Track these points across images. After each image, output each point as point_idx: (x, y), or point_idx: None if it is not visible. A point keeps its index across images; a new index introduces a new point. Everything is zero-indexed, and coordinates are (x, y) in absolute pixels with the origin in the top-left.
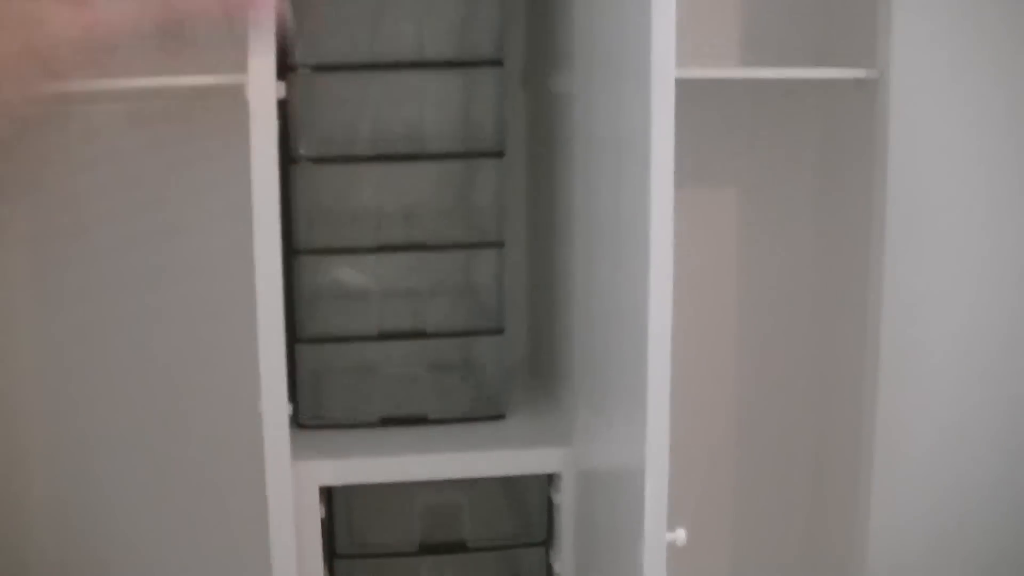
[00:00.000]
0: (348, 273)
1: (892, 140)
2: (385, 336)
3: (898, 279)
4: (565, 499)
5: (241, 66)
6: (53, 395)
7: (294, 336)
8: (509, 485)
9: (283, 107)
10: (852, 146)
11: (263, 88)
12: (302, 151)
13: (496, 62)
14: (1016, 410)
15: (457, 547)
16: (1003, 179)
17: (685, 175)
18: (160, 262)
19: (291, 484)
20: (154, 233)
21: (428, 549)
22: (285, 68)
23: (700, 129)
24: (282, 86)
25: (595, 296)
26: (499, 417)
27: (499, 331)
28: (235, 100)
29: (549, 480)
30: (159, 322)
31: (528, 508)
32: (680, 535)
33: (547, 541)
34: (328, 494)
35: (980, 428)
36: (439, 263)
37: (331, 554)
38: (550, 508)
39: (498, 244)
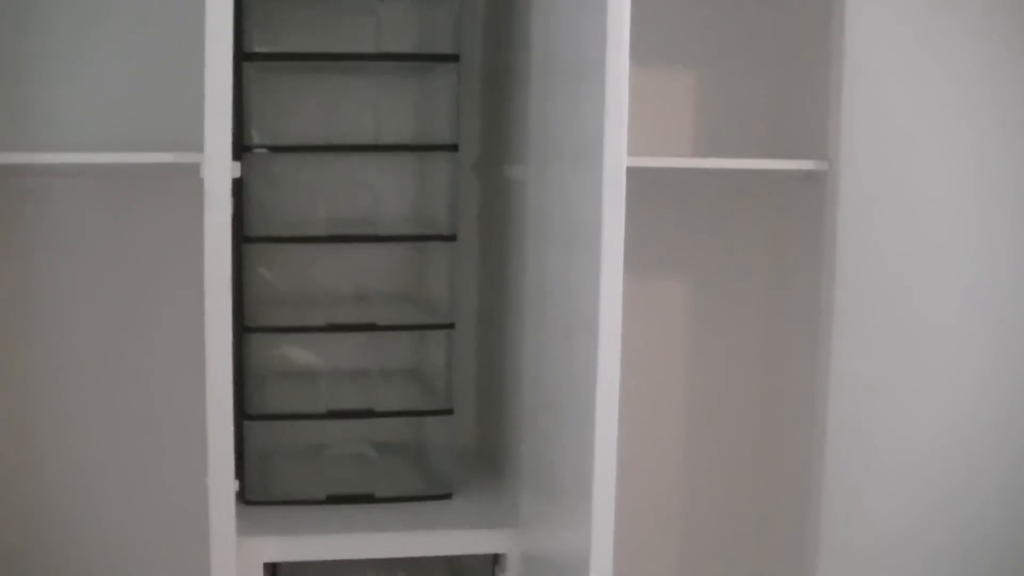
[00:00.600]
0: (298, 352)
1: (841, 230)
2: (334, 415)
3: (846, 370)
4: None
5: (198, 145)
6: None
7: (242, 413)
8: (455, 565)
9: (238, 186)
10: (801, 236)
11: (218, 167)
12: (256, 231)
13: (451, 147)
14: (963, 513)
15: None
16: (950, 270)
17: (636, 264)
18: (112, 337)
19: (235, 560)
20: (106, 308)
21: None
22: (241, 148)
23: (652, 219)
24: (237, 166)
25: (544, 381)
26: (446, 497)
27: (448, 412)
28: (192, 178)
29: (495, 560)
30: (109, 394)
31: None
32: None
33: None
34: (273, 571)
35: (929, 526)
36: (390, 344)
37: None
38: None
39: (449, 326)
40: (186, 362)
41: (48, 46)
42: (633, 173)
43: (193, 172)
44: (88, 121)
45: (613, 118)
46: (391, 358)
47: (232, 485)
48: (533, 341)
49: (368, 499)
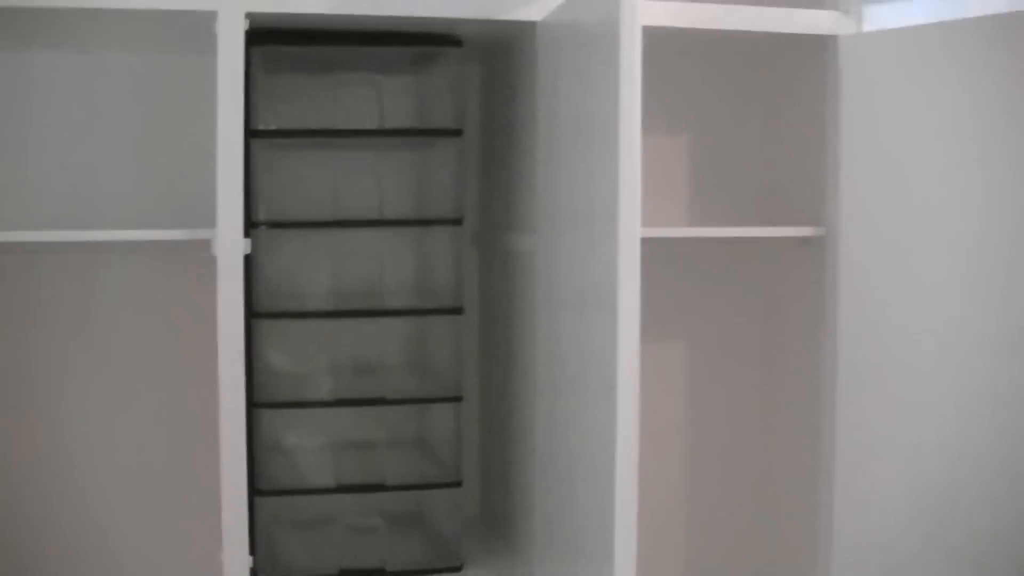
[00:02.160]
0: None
1: (841, 293)
2: (343, 488)
3: (849, 429)
4: None
5: (209, 220)
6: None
7: (253, 488)
8: None
9: (246, 262)
10: (798, 300)
11: (231, 243)
12: (264, 306)
13: (455, 220)
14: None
15: None
16: (950, 332)
17: (640, 329)
18: (118, 412)
19: None
20: (113, 382)
21: None
22: (248, 224)
23: (655, 285)
24: (248, 242)
25: (558, 447)
26: (456, 569)
27: (457, 484)
28: (203, 254)
29: None
30: (121, 464)
31: None
32: None
33: None
34: None
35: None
36: (398, 416)
37: None
38: None
39: (456, 398)
40: (194, 437)
41: (54, 123)
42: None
43: (201, 248)
44: (91, 196)
45: (627, 187)
46: (399, 430)
47: (247, 561)
48: (545, 409)
49: (379, 572)
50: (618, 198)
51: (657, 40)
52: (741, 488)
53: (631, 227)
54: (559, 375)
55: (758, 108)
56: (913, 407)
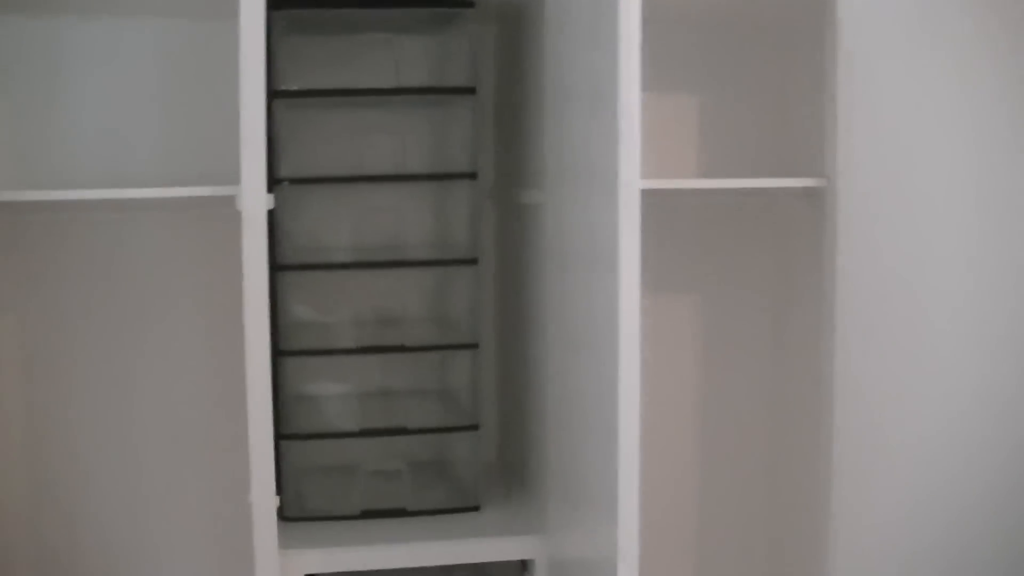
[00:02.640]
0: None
1: (841, 243)
2: (366, 433)
3: (850, 377)
4: None
5: (233, 177)
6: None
7: (279, 433)
8: (486, 573)
9: (269, 217)
10: (803, 250)
11: (254, 199)
12: (287, 259)
13: (470, 175)
14: (970, 500)
15: None
16: (949, 278)
17: (647, 280)
18: (149, 363)
19: (279, 573)
20: (141, 335)
21: None
22: (271, 181)
23: (661, 239)
24: (271, 198)
25: (568, 396)
26: (474, 508)
27: (474, 428)
28: (229, 210)
29: (523, 567)
30: (152, 418)
31: None
32: None
33: None
34: None
35: (933, 519)
36: (417, 364)
37: None
38: None
39: (473, 346)
40: (221, 385)
41: (80, 84)
42: (644, 194)
43: (226, 205)
44: (120, 157)
45: (627, 142)
46: (418, 378)
47: (274, 502)
48: (556, 358)
49: (400, 513)
50: (618, 149)
51: (664, 3)
52: (752, 435)
53: (631, 178)
54: (568, 327)
55: (765, 67)
56: (914, 355)
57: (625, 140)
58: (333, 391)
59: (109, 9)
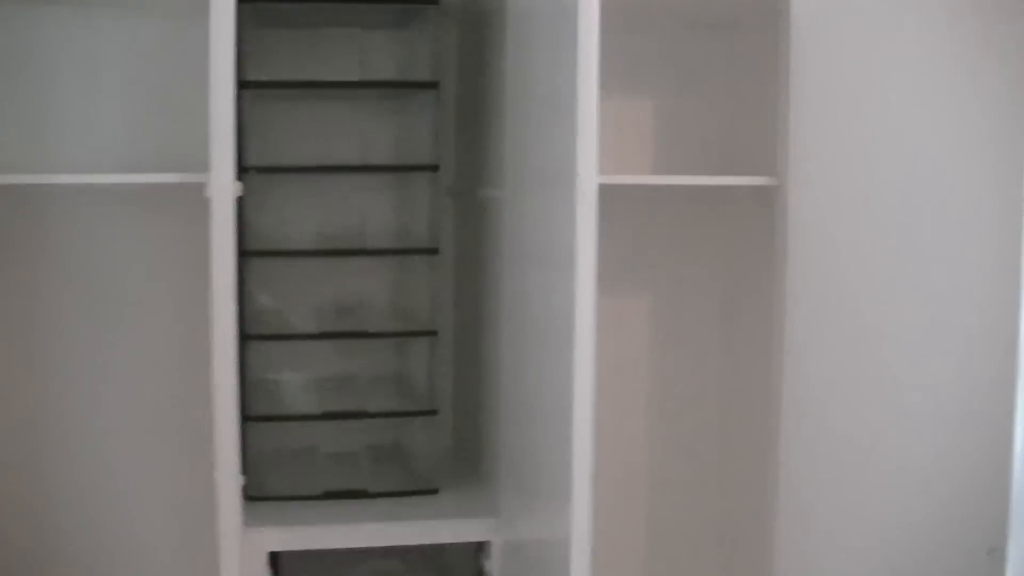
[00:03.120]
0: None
1: (791, 241)
2: (327, 416)
3: (798, 372)
4: (495, 567)
5: (202, 165)
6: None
7: (244, 415)
8: (443, 554)
9: (237, 205)
10: (754, 248)
11: (223, 187)
12: (253, 246)
13: (432, 167)
14: (910, 493)
15: None
16: (895, 275)
17: (602, 277)
18: (116, 345)
19: (241, 550)
20: (109, 317)
21: None
22: (239, 170)
23: (616, 236)
24: (239, 186)
25: (523, 385)
26: (432, 491)
27: (432, 412)
28: (197, 197)
29: (479, 548)
30: (116, 398)
31: (461, 575)
32: None
33: None
34: (275, 560)
35: (878, 505)
36: (377, 351)
37: None
38: (481, 575)
39: (431, 333)
40: (187, 368)
41: (53, 74)
42: (601, 190)
43: (195, 192)
44: (90, 143)
45: (584, 140)
46: (378, 364)
47: (238, 482)
48: (512, 348)
49: (361, 494)
50: (576, 147)
51: (622, 8)
52: (702, 427)
53: (588, 174)
54: (523, 321)
55: (719, 69)
56: (862, 354)
57: (583, 137)
58: (296, 375)
59: (84, 1)
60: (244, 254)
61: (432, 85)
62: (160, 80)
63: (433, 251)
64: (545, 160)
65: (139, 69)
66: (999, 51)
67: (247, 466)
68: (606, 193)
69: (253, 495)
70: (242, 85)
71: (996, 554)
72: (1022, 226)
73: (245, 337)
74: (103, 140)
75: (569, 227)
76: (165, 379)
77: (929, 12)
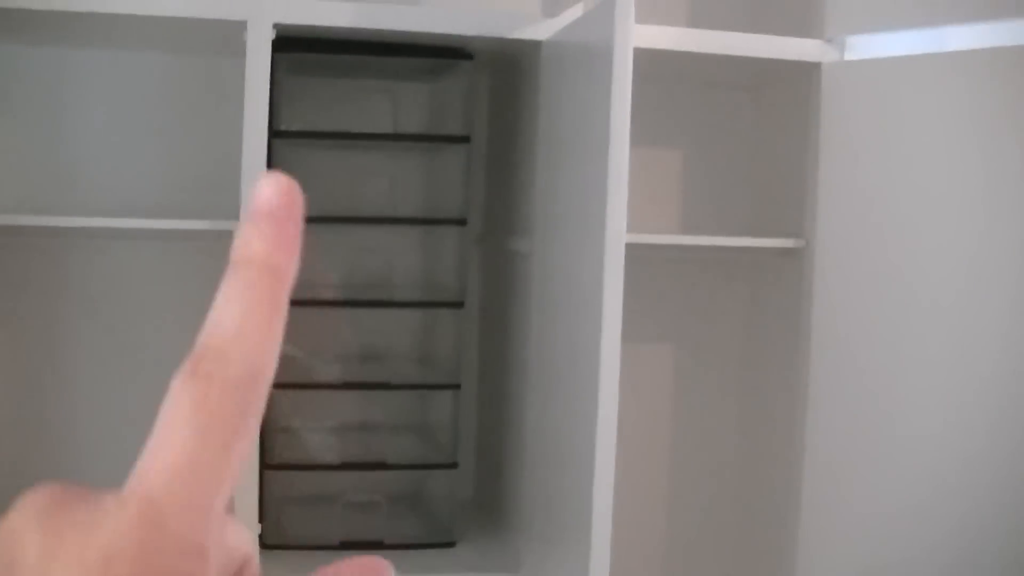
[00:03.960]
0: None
1: (816, 304)
2: (347, 467)
3: (820, 438)
4: None
5: (232, 212)
6: None
7: (263, 463)
8: None
9: None
10: (779, 309)
11: None
12: None
13: (460, 221)
14: (939, 557)
15: None
16: (924, 343)
17: (628, 331)
18: (140, 392)
19: None
20: (134, 365)
21: None
22: None
23: (643, 290)
24: None
25: (546, 434)
26: (450, 544)
27: (453, 465)
28: (227, 244)
29: None
30: (137, 446)
31: None
32: None
33: None
34: None
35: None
36: (400, 401)
37: None
38: None
39: (455, 386)
40: None
41: (90, 117)
42: (628, 247)
43: (223, 239)
44: (121, 186)
45: (615, 196)
46: (400, 414)
47: (256, 529)
48: (535, 400)
49: (378, 545)
50: (606, 204)
51: (657, 63)
52: (722, 484)
53: (617, 232)
54: (549, 371)
55: (748, 128)
56: (887, 420)
57: (613, 193)
58: (317, 424)
59: (116, 43)
60: None
61: (464, 139)
62: (191, 124)
63: (459, 304)
64: (574, 212)
65: (171, 111)
66: None
67: (264, 514)
68: (632, 249)
69: (270, 543)
70: (275, 134)
71: None
72: None
73: None
74: (131, 181)
75: (597, 281)
76: None
77: (958, 77)
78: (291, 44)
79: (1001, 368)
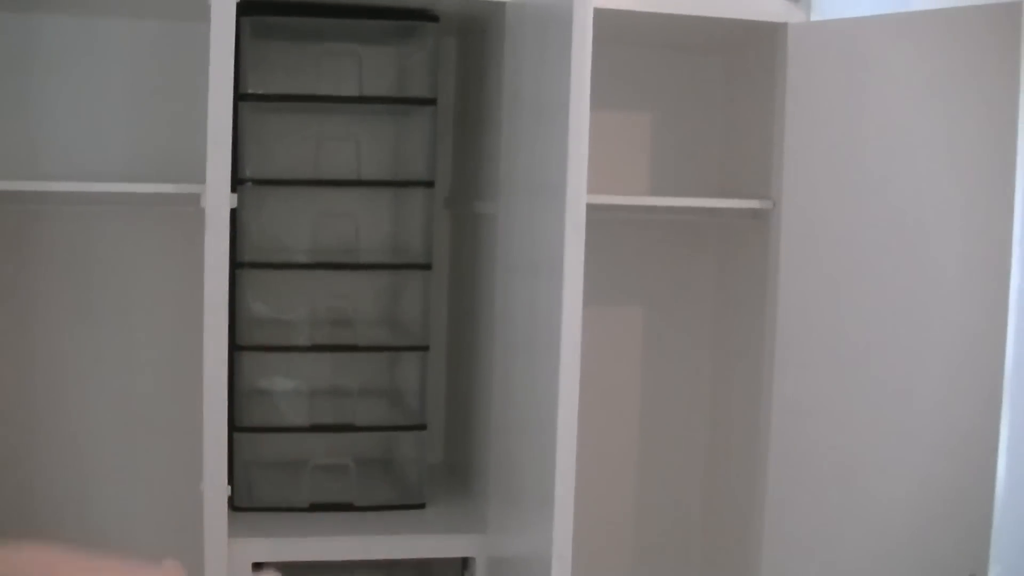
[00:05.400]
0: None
1: (783, 264)
2: (317, 428)
3: (787, 390)
4: None
5: (198, 176)
6: None
7: (233, 425)
8: (428, 569)
9: (232, 216)
10: (746, 270)
11: (218, 198)
12: (247, 257)
13: (427, 183)
14: (893, 514)
15: None
16: (884, 297)
17: (596, 292)
18: (107, 352)
19: (226, 559)
20: (102, 325)
21: None
22: (235, 181)
23: (611, 252)
24: (235, 197)
25: (511, 400)
26: (419, 506)
27: (421, 427)
28: (193, 208)
29: (464, 564)
30: (106, 406)
31: None
32: None
33: None
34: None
35: (863, 516)
36: (368, 364)
37: None
38: None
39: (423, 348)
40: (177, 377)
41: (57, 83)
42: (592, 209)
43: (190, 202)
44: (89, 152)
45: (575, 158)
46: (369, 377)
47: (225, 492)
48: (501, 362)
49: (347, 507)
50: (567, 165)
51: (623, 25)
52: (689, 444)
53: (578, 193)
54: (513, 334)
55: (716, 91)
56: (850, 373)
57: (574, 156)
58: (286, 387)
59: (82, 8)
60: (238, 265)
61: (430, 102)
62: (159, 88)
63: (426, 267)
64: (537, 175)
65: (138, 76)
66: (991, 76)
67: (234, 476)
68: (598, 210)
69: (239, 506)
70: (240, 97)
71: None
72: (1011, 253)
73: (237, 347)
74: (101, 146)
75: (558, 243)
76: (155, 387)
77: (922, 37)
78: (256, 8)
79: (965, 322)
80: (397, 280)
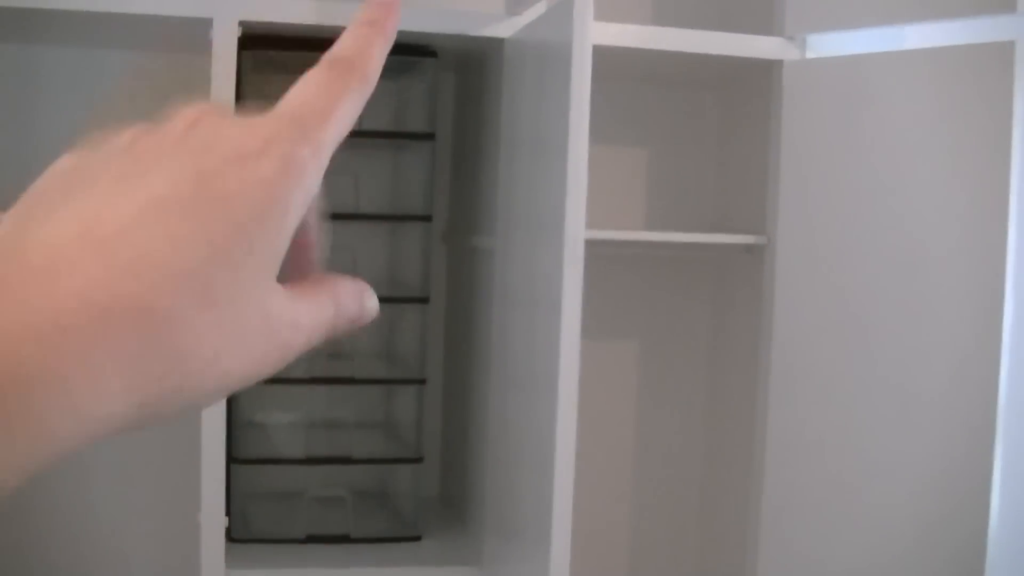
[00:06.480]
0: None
1: (778, 300)
2: (313, 460)
3: (781, 426)
4: None
5: None
6: None
7: (230, 457)
8: None
9: None
10: (742, 306)
11: None
12: None
13: (425, 217)
14: (896, 549)
15: None
16: (879, 335)
17: (591, 327)
18: None
19: None
20: None
21: None
22: None
23: (606, 287)
24: None
25: (508, 433)
26: (415, 538)
27: (418, 460)
28: None
29: None
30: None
31: None
32: None
33: None
34: None
35: (855, 558)
36: (365, 396)
37: None
38: None
39: (420, 381)
40: None
41: (56, 114)
42: (589, 244)
43: None
44: None
45: (573, 194)
46: (366, 410)
47: (223, 523)
48: (498, 396)
49: (344, 539)
50: (565, 200)
51: (621, 62)
52: (684, 480)
53: (576, 228)
54: (510, 368)
55: (712, 127)
56: (846, 411)
57: (572, 192)
58: (283, 419)
59: (83, 40)
60: None
61: (428, 136)
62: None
63: (424, 300)
64: (535, 210)
65: (138, 110)
66: (985, 114)
67: (232, 507)
68: (594, 245)
69: (236, 537)
70: None
71: None
72: (1005, 289)
73: None
74: None
75: (556, 278)
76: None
77: (916, 75)
78: (257, 42)
79: (959, 358)
80: (394, 313)
